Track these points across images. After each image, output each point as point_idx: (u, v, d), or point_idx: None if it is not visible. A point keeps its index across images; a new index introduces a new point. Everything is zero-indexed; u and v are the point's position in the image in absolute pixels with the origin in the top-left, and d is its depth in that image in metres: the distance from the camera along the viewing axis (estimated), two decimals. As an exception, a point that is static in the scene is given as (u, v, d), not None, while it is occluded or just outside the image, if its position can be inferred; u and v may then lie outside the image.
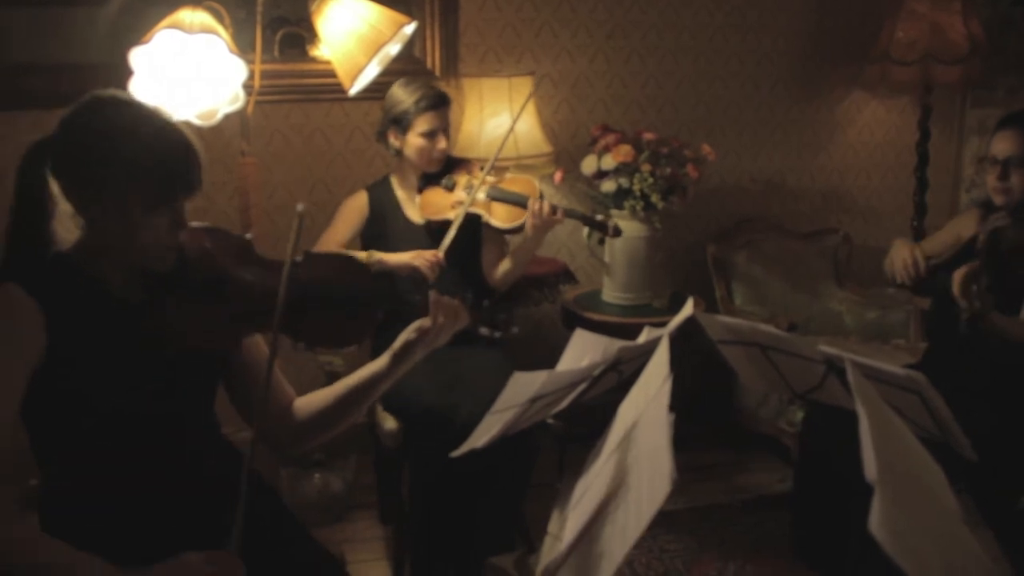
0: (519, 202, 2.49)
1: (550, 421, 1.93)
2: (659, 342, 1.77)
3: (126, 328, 1.34)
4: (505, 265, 2.61)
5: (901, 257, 2.47)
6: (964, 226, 2.52)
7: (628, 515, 1.06)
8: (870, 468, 1.10)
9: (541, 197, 2.49)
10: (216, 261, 1.41)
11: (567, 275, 3.15)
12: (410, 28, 2.23)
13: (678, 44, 3.40)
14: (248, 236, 1.48)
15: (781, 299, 3.42)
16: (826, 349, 1.83)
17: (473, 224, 2.54)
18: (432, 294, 1.49)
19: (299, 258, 1.42)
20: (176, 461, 1.39)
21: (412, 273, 2.37)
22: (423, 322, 1.47)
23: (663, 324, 1.80)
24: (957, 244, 2.52)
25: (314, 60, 3.03)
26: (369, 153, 3.15)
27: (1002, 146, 2.30)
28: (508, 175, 2.61)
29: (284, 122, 3.06)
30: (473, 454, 1.69)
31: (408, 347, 1.47)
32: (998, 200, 2.32)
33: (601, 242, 2.61)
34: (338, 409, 1.51)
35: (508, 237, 2.67)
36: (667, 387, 1.33)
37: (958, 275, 2.13)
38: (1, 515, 1.18)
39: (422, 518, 2.31)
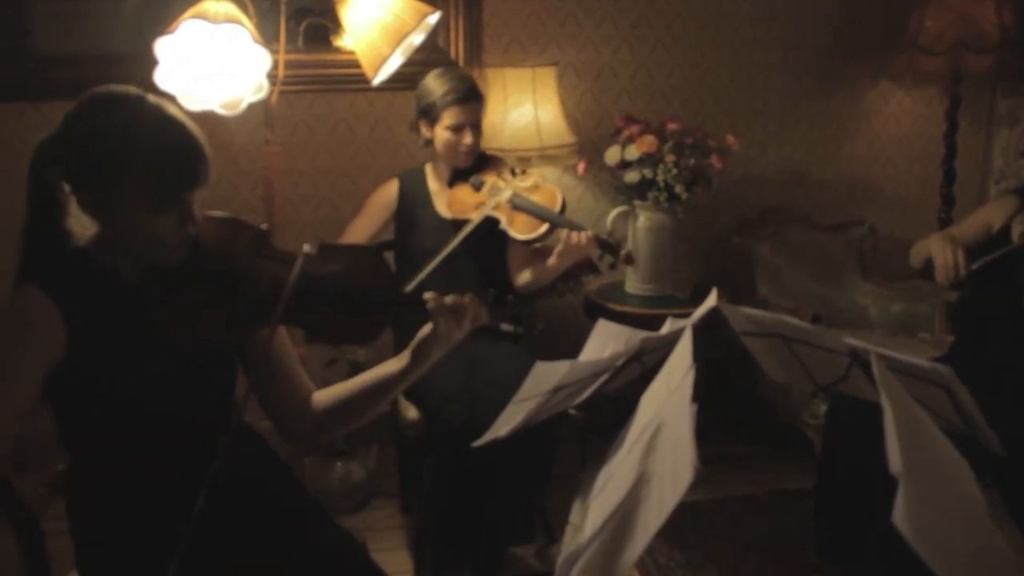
0: (540, 215, 2.43)
1: (572, 411, 1.93)
2: (682, 333, 1.77)
3: (141, 319, 1.35)
4: (526, 276, 2.57)
5: (944, 258, 2.32)
6: (995, 215, 2.45)
7: (651, 505, 1.06)
8: (895, 461, 1.09)
9: (563, 210, 2.45)
10: (230, 252, 1.40)
11: (591, 267, 3.13)
12: (434, 18, 2.23)
13: (703, 34, 3.37)
14: (264, 227, 1.46)
15: (805, 291, 3.39)
16: (851, 341, 1.81)
17: (493, 225, 2.50)
18: (429, 297, 1.44)
19: (313, 250, 1.40)
20: (195, 447, 1.40)
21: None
22: (433, 322, 1.45)
23: (686, 315, 1.80)
24: (988, 233, 2.46)
25: (338, 50, 3.03)
26: (393, 143, 3.15)
27: None
28: (532, 181, 2.54)
29: (308, 112, 3.07)
30: (495, 445, 1.69)
31: (424, 345, 1.45)
32: None
33: (613, 266, 2.54)
34: (357, 404, 1.50)
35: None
36: (690, 378, 1.32)
37: None
38: None
39: (443, 508, 2.32)
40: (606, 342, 1.76)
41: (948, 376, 1.60)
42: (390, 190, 2.64)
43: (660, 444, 1.19)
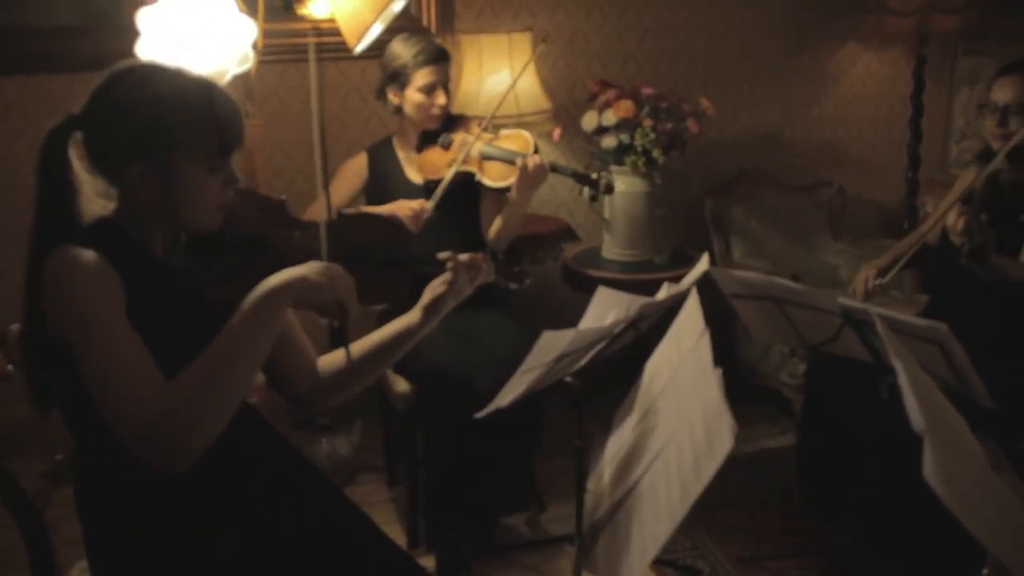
0: (512, 159, 2.44)
1: (568, 379, 1.94)
2: (679, 297, 1.78)
3: (172, 292, 1.34)
4: (496, 223, 2.58)
5: (858, 279, 2.52)
6: (963, 186, 2.51)
7: (684, 470, 1.07)
8: (916, 419, 1.11)
9: (536, 151, 2.46)
10: (253, 222, 1.43)
11: (569, 233, 3.14)
12: (415, -17, 2.19)
13: (675, -3, 3.37)
14: (282, 197, 1.48)
15: (779, 252, 3.44)
16: (845, 302, 1.85)
17: (469, 182, 2.51)
18: (446, 256, 1.49)
19: (334, 217, 1.43)
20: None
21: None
22: (448, 276, 1.48)
23: (666, 279, 1.82)
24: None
25: (303, 19, 2.95)
26: (365, 113, 3.11)
27: (1002, 93, 2.31)
28: (504, 131, 2.56)
29: (280, 83, 3.01)
30: (488, 415, 1.70)
31: (437, 300, 1.48)
32: (996, 145, 2.33)
33: (594, 199, 2.58)
34: (368, 364, 1.52)
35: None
36: (705, 341, 1.34)
37: (954, 209, 2.15)
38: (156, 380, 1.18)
39: (438, 479, 2.32)
40: (607, 309, 1.77)
41: (944, 334, 1.65)
42: (359, 162, 2.62)
43: (685, 410, 1.20)
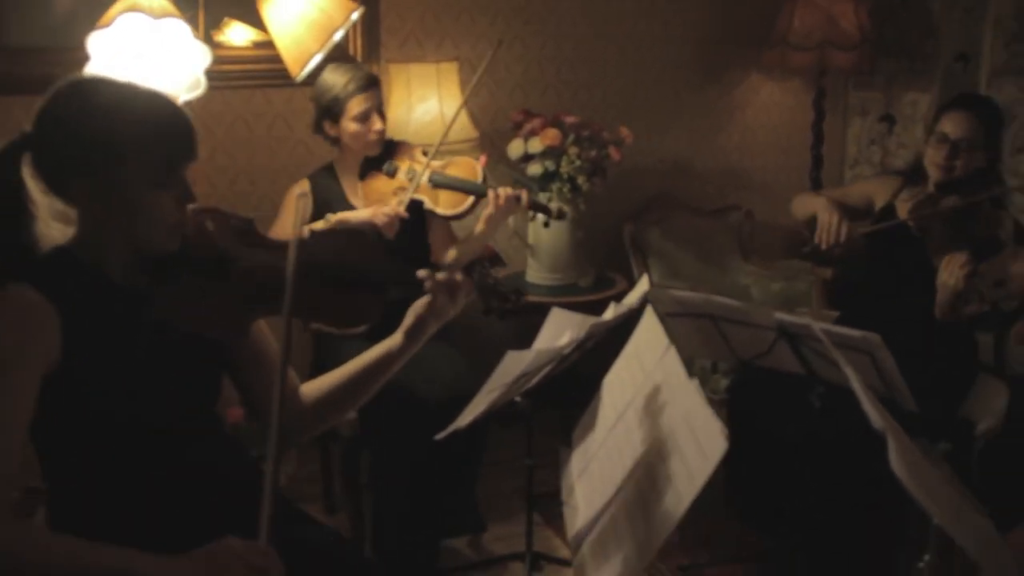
0: (464, 188, 2.48)
1: (517, 399, 1.99)
2: (625, 316, 1.86)
3: (132, 317, 1.31)
4: (452, 254, 2.60)
5: (828, 219, 2.49)
6: (878, 191, 2.65)
7: (675, 477, 1.13)
8: (875, 418, 1.21)
9: (485, 181, 2.51)
10: (219, 242, 1.37)
11: (496, 259, 3.18)
12: (357, 14, 2.22)
13: (591, 30, 3.49)
14: (250, 216, 1.44)
15: (694, 274, 3.59)
16: (783, 317, 1.96)
17: (417, 210, 2.53)
18: (423, 274, 1.46)
19: (306, 235, 1.41)
20: (182, 457, 1.37)
21: (372, 230, 2.33)
22: (430, 298, 1.46)
23: (589, 302, 1.89)
24: (868, 206, 2.67)
25: (220, 46, 2.93)
26: (292, 140, 3.10)
27: (953, 127, 2.37)
28: (448, 159, 2.60)
29: (203, 111, 2.96)
30: (431, 440, 1.69)
31: (420, 322, 1.47)
32: (937, 175, 2.41)
33: (547, 225, 2.64)
34: (350, 391, 1.51)
35: (453, 223, 2.67)
36: (673, 354, 1.41)
37: (960, 273, 2.20)
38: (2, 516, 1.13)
39: (387, 505, 2.32)
40: (561, 329, 1.83)
41: (877, 343, 1.78)
42: (302, 189, 2.60)
43: (665, 422, 1.26)
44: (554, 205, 2.60)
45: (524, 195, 2.49)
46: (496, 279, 1.54)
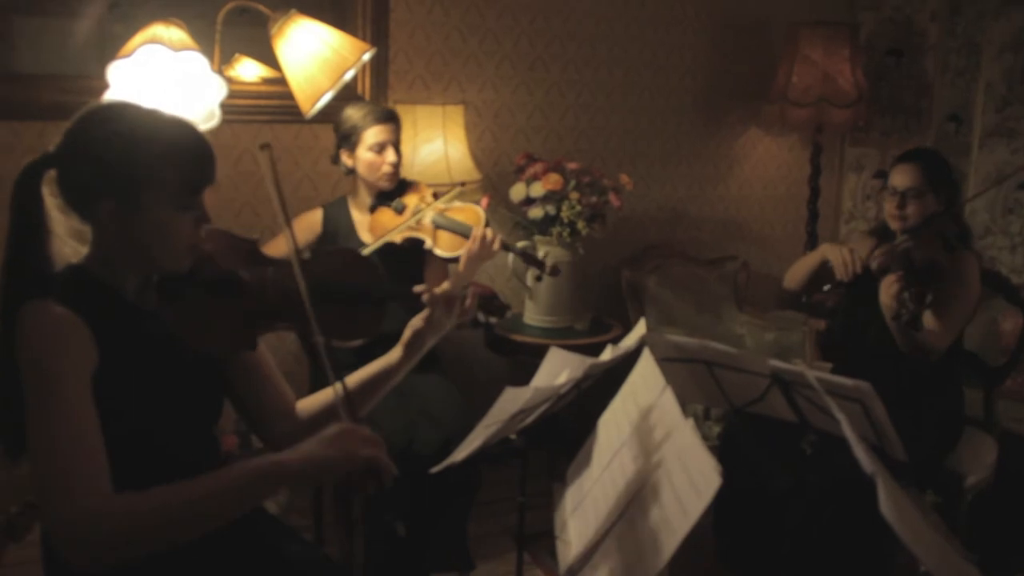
0: (464, 232, 2.53)
1: (512, 436, 2.01)
2: (622, 358, 1.89)
3: (144, 334, 1.34)
4: (445, 286, 2.63)
5: (841, 257, 2.57)
6: (857, 249, 2.73)
7: (669, 513, 1.16)
8: (866, 464, 1.24)
9: (487, 227, 2.55)
10: (225, 261, 1.43)
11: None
12: (368, 55, 2.28)
13: (594, 78, 3.58)
14: (255, 237, 1.50)
15: (689, 321, 3.63)
16: (778, 364, 2.00)
17: (417, 248, 2.57)
18: (421, 289, 1.55)
19: (308, 255, 1.46)
20: (183, 474, 1.38)
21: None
22: (427, 312, 1.52)
23: (587, 346, 1.92)
24: None
25: (231, 80, 2.99)
26: (297, 175, 3.15)
27: (900, 179, 2.54)
28: (456, 204, 2.64)
29: (212, 142, 3.01)
30: (426, 473, 1.72)
31: (418, 336, 1.53)
32: (894, 225, 2.56)
33: (539, 279, 2.64)
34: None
35: (450, 266, 2.71)
36: (669, 394, 1.44)
37: (889, 282, 2.31)
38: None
39: (377, 539, 2.32)
40: (560, 368, 1.86)
41: (868, 392, 1.81)
42: (314, 217, 2.66)
43: (659, 460, 1.29)
44: (549, 260, 2.59)
45: (498, 241, 2.50)
46: (491, 296, 1.60)
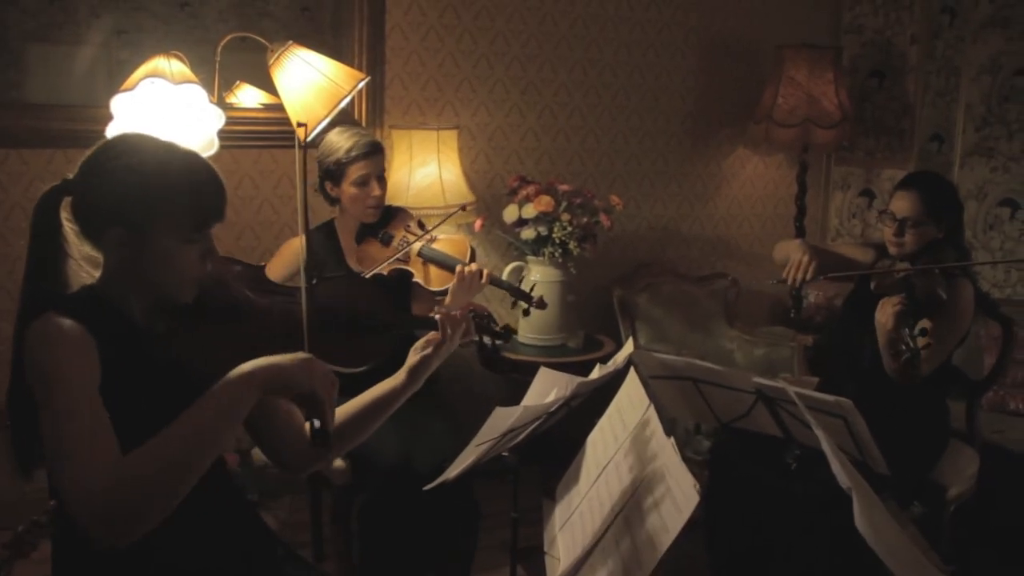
0: (451, 266, 2.51)
1: (504, 454, 2.06)
2: (611, 377, 1.96)
3: (152, 357, 1.38)
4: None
5: (798, 259, 2.57)
6: (857, 256, 2.74)
7: (652, 528, 1.22)
8: (843, 478, 1.30)
9: (473, 258, 2.56)
10: (233, 288, 1.48)
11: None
12: (363, 83, 2.35)
13: (586, 101, 3.66)
14: (262, 264, 1.54)
15: (680, 338, 3.70)
16: (761, 381, 2.06)
17: (405, 279, 2.56)
18: (438, 311, 1.59)
19: (313, 282, 1.50)
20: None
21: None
22: (433, 336, 1.57)
23: (579, 363, 1.96)
24: (847, 266, 2.74)
25: (231, 107, 3.07)
26: (296, 199, 3.21)
27: (901, 205, 2.50)
28: (443, 236, 2.64)
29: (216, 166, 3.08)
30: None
31: (425, 360, 1.58)
32: (892, 250, 2.56)
33: (526, 313, 2.62)
34: (353, 427, 1.58)
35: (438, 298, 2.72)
36: (652, 413, 1.50)
37: (890, 303, 2.28)
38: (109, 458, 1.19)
39: (372, 553, 2.37)
40: (549, 387, 1.92)
41: (849, 408, 1.87)
42: (301, 242, 2.69)
43: (642, 476, 1.35)
44: (536, 294, 2.60)
45: (485, 275, 2.49)
46: (491, 318, 1.64)
